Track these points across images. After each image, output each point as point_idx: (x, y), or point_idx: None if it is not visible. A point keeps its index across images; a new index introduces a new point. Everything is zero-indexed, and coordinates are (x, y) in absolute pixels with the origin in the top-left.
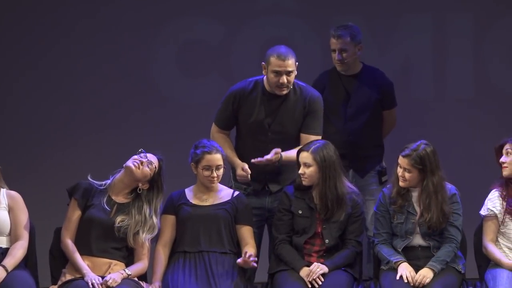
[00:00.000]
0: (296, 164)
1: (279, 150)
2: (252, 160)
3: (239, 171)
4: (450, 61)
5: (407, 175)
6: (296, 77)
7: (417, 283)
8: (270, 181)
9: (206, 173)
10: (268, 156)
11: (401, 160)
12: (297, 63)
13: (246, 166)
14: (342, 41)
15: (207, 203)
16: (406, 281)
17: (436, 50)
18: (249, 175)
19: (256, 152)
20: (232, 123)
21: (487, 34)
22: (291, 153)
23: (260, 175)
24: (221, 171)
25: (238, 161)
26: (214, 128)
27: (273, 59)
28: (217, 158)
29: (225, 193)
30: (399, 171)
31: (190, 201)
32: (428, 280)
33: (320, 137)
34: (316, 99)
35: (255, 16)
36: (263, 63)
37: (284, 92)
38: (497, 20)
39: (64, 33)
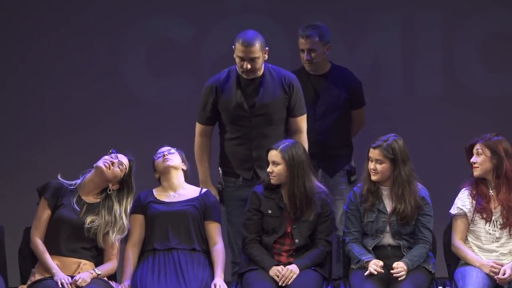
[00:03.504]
0: (266, 162)
1: None
2: None
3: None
4: (418, 60)
5: (379, 167)
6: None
7: (394, 273)
8: (258, 168)
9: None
10: None
11: (372, 152)
12: (266, 48)
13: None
14: (310, 41)
15: (175, 200)
16: (375, 273)
17: (405, 49)
18: None
19: (242, 146)
20: (214, 117)
21: (455, 33)
22: None
23: (245, 163)
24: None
25: (208, 180)
26: (197, 128)
27: (238, 45)
28: (166, 148)
29: (192, 191)
30: (370, 164)
31: (158, 198)
32: (403, 273)
33: (305, 115)
34: (294, 79)
35: (224, 15)
36: (233, 46)
37: (251, 77)
38: (465, 19)
39: (36, 38)
